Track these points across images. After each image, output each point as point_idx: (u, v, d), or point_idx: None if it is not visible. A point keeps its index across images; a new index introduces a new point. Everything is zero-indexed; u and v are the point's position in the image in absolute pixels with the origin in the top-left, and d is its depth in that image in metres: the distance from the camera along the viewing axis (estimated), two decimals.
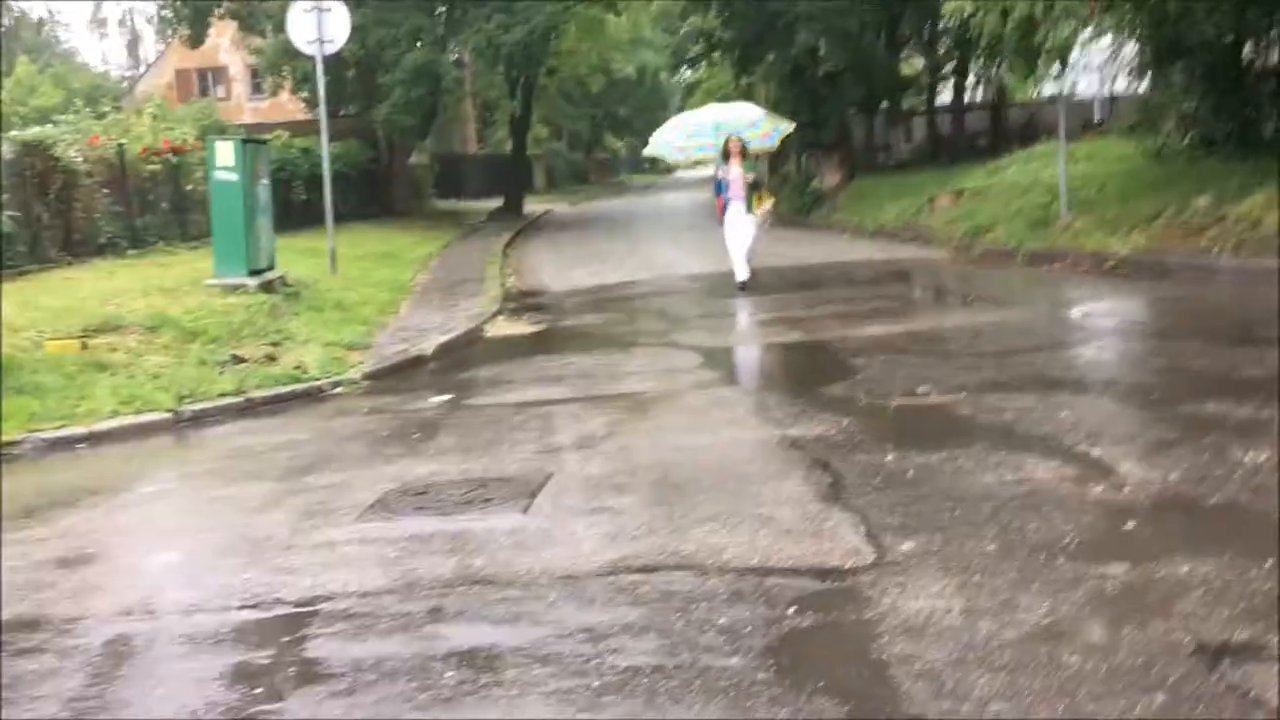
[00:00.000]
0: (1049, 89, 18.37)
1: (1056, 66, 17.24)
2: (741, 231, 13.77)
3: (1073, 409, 6.52)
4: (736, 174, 14.01)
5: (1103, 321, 10.13)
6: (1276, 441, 5.41)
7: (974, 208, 19.21)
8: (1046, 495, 4.94)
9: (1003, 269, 14.75)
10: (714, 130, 14.84)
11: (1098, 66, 19.97)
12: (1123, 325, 10.03)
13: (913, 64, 35.12)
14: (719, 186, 14.22)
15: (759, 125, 15.75)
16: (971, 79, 32.70)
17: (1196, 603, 3.69)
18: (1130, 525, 4.52)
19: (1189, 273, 12.07)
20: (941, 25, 30.50)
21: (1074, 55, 16.82)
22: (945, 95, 33.00)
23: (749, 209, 13.82)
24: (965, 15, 16.53)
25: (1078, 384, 7.39)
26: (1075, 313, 10.92)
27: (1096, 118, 27.88)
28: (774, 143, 16.37)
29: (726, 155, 14.11)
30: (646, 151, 17.25)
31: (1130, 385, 7.30)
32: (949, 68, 32.18)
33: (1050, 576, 4.01)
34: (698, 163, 16.60)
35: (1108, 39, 16.16)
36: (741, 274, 13.59)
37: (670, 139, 16.32)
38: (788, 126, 16.40)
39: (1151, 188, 15.01)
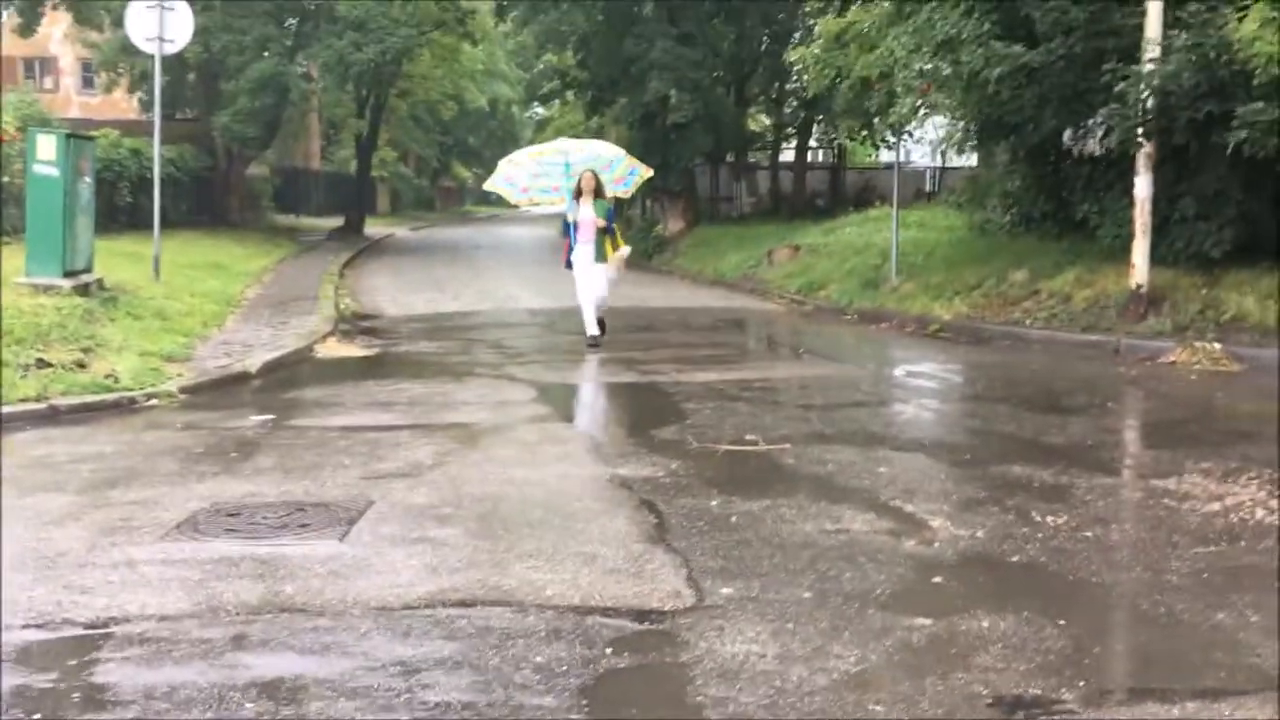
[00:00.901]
0: (885, 156, 19.18)
1: (890, 136, 18.03)
2: (592, 281, 12.22)
3: (891, 464, 6.75)
4: (588, 216, 12.30)
5: (923, 382, 10.54)
6: (1074, 507, 5.71)
7: (810, 263, 19.82)
8: (862, 546, 5.08)
9: (834, 324, 15.23)
10: (564, 170, 12.92)
11: (930, 140, 20.95)
12: (941, 387, 10.46)
13: (760, 120, 36.23)
14: (567, 228, 12.57)
15: (615, 166, 13.72)
16: (814, 140, 33.94)
17: (995, 656, 3.84)
18: (938, 579, 4.69)
19: (1004, 340, 12.71)
20: (789, 85, 31.59)
21: (910, 126, 17.63)
22: (789, 154, 34.08)
23: (599, 256, 12.22)
24: (806, 64, 17.15)
25: (897, 441, 7.65)
26: (898, 372, 11.34)
27: (928, 187, 29.23)
28: (629, 188, 14.46)
29: (578, 193, 12.36)
30: (487, 186, 14.54)
31: (945, 444, 7.60)
32: (794, 127, 33.26)
33: (861, 626, 4.11)
34: (535, 204, 14.36)
35: (941, 116, 16.97)
36: (591, 328, 12.13)
37: (514, 175, 13.83)
38: (645, 171, 14.27)
39: (974, 258, 15.79)
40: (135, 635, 4.00)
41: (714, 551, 4.98)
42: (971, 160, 22.80)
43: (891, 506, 5.77)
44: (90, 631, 4.04)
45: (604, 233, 12.28)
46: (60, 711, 3.41)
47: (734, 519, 5.52)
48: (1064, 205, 14.99)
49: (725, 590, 4.48)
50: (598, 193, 12.43)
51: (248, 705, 3.44)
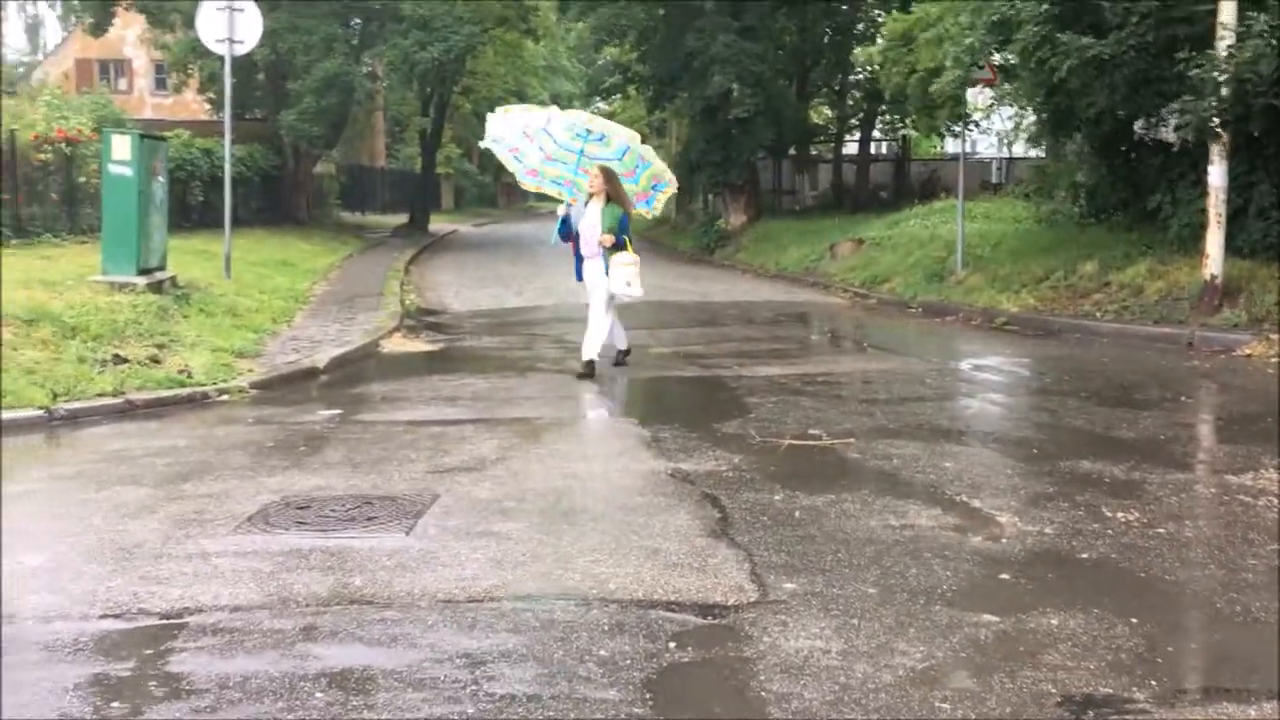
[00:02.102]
0: (951, 147, 18.94)
1: (955, 126, 17.81)
2: (607, 292, 9.86)
3: (957, 459, 6.67)
4: (593, 223, 9.81)
5: (990, 376, 10.41)
6: (1146, 503, 5.61)
7: (873, 257, 19.65)
8: (927, 542, 5.03)
9: (898, 318, 15.09)
10: (577, 161, 10.32)
11: (998, 130, 20.65)
12: (1008, 381, 10.31)
13: (822, 112, 35.99)
14: (564, 225, 10.05)
15: (640, 174, 10.61)
16: (877, 132, 33.65)
17: (1065, 655, 3.79)
18: (1006, 576, 4.63)
19: (1074, 334, 12.50)
20: (852, 77, 31.37)
21: (976, 117, 17.42)
22: (852, 146, 33.83)
23: (608, 268, 9.84)
24: (874, 65, 17.03)
25: (963, 435, 7.56)
26: (964, 365, 11.20)
27: (995, 178, 28.83)
28: (651, 208, 11.02)
29: (588, 194, 9.96)
30: (484, 143, 10.84)
31: (1012, 439, 7.49)
32: (857, 119, 33.00)
33: (927, 622, 4.08)
34: (541, 192, 11.23)
35: (1008, 107, 16.76)
36: (590, 352, 9.82)
37: (518, 142, 10.55)
38: (672, 185, 11.07)
39: (1043, 250, 15.54)
40: (209, 625, 4.08)
41: (777, 546, 4.97)
42: (1040, 151, 22.46)
43: (958, 502, 5.71)
44: (166, 622, 4.13)
45: (612, 249, 9.77)
46: (138, 700, 3.49)
47: (797, 514, 5.50)
48: (1135, 195, 14.72)
49: (789, 585, 4.47)
50: (610, 196, 9.83)
51: (318, 695, 3.50)
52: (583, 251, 9.95)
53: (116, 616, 4.19)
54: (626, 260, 9.79)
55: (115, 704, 3.46)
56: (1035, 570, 4.70)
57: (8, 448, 7.22)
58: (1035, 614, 4.15)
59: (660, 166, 10.93)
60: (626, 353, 10.48)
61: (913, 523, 5.34)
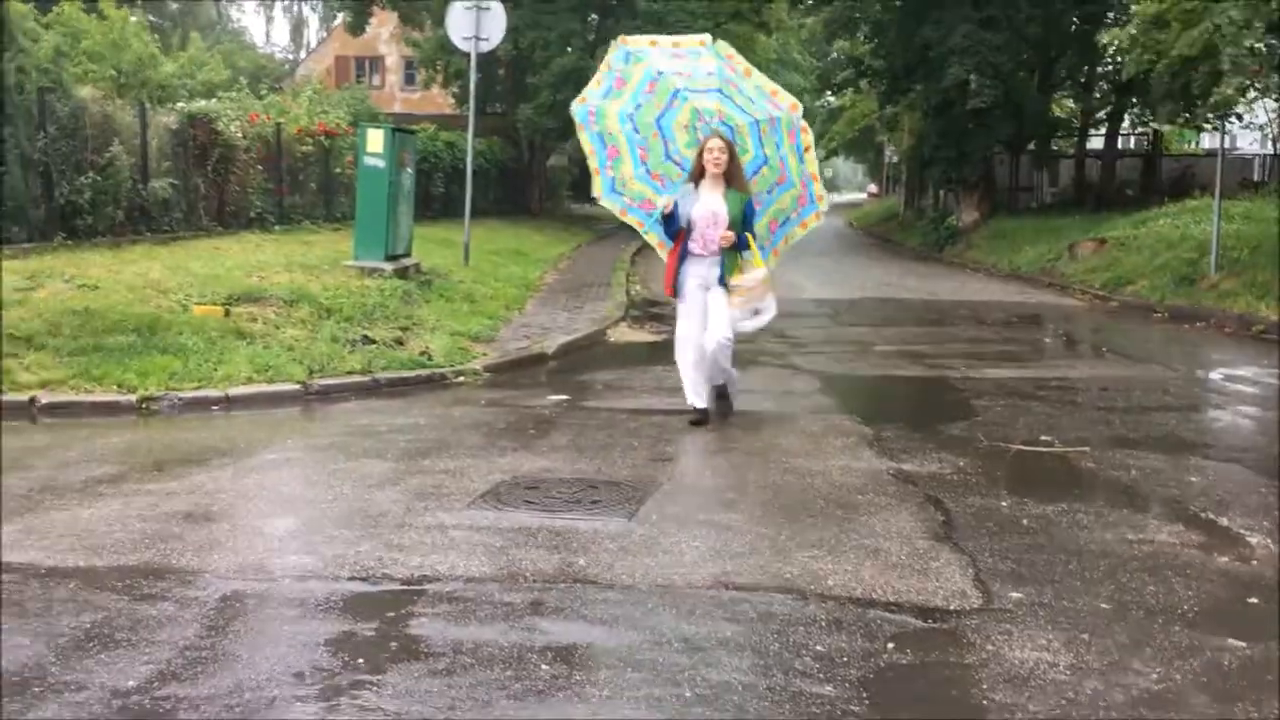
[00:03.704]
0: (1207, 142, 17.78)
1: (1213, 119, 16.65)
2: (713, 320, 7.33)
3: (1203, 474, 6.30)
4: (712, 212, 7.30)
5: (1243, 387, 9.73)
6: None
7: (1116, 257, 18.68)
8: (1168, 559, 4.78)
9: (1141, 323, 14.31)
10: (679, 159, 7.75)
11: (1260, 125, 19.21)
12: (1264, 393, 9.62)
13: (1065, 105, 34.34)
14: (671, 225, 7.43)
15: (790, 176, 7.75)
16: (1126, 126, 31.82)
17: None
18: (1254, 599, 4.35)
19: None
20: (1100, 69, 29.80)
21: (1237, 109, 16.25)
22: (1096, 141, 32.15)
23: (725, 281, 7.38)
24: (1122, 45, 16.07)
25: (1210, 449, 7.12)
26: (1214, 375, 10.52)
27: (1257, 176, 26.86)
28: (786, 237, 7.97)
29: (698, 173, 7.38)
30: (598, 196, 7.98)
31: (1267, 455, 7.00)
32: (1103, 112, 31.33)
33: (1165, 642, 3.88)
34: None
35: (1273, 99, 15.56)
36: (696, 396, 7.58)
37: (615, 127, 7.79)
38: (823, 207, 8.02)
39: None
40: (445, 594, 4.32)
41: (1003, 554, 4.83)
42: None
43: (1203, 519, 5.39)
44: (406, 588, 4.40)
45: (735, 248, 7.36)
46: (380, 657, 3.74)
47: (1025, 521, 5.32)
48: None
49: (1015, 594, 4.34)
50: (731, 177, 7.32)
51: (543, 667, 3.65)
52: (692, 248, 7.37)
53: (363, 580, 4.49)
54: (757, 278, 7.35)
55: (360, 660, 3.71)
56: None
57: (270, 419, 7.82)
58: None
59: (785, 108, 7.66)
60: (726, 400, 7.75)
61: (1152, 538, 5.08)
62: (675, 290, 7.47)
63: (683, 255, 7.37)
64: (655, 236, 7.84)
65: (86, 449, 6.71)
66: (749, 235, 7.34)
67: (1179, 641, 3.90)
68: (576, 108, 7.85)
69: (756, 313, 7.43)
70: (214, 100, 19.47)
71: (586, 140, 7.83)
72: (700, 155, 7.31)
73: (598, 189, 7.89)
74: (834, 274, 20.99)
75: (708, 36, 7.93)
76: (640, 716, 3.32)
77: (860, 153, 63.36)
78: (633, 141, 7.77)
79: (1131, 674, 3.63)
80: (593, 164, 7.88)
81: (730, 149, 7.29)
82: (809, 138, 7.78)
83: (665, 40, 8.17)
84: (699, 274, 7.36)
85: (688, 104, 7.68)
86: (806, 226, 7.97)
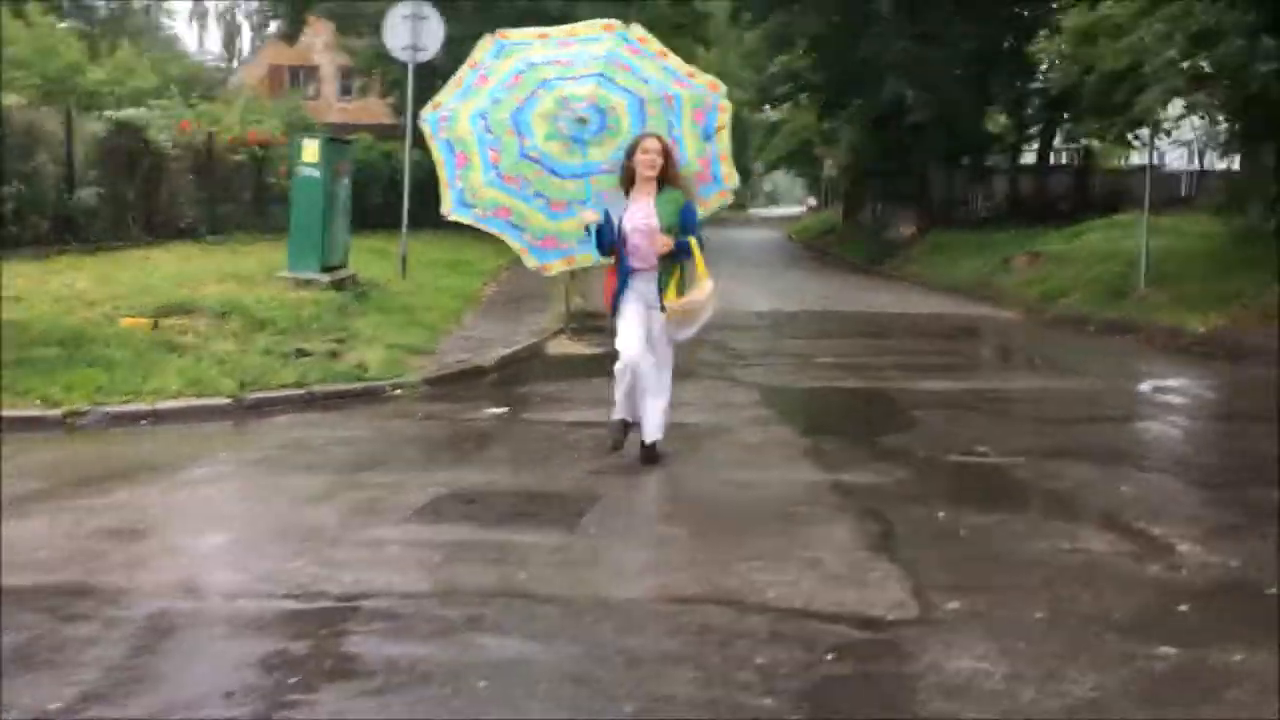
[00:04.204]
0: (1137, 159, 18.17)
1: (1142, 134, 17.02)
2: (643, 337, 6.53)
3: (1134, 484, 6.40)
4: (646, 217, 6.40)
5: (1173, 398, 9.93)
6: None
7: (1050, 271, 19.01)
8: (1101, 568, 4.84)
9: (1075, 335, 14.55)
10: (582, 188, 6.70)
11: (1188, 141, 19.67)
12: (1193, 404, 9.82)
13: (999, 120, 34.94)
14: (604, 239, 6.50)
15: (677, 125, 6.78)
16: (1058, 141, 32.44)
17: (1248, 692, 3.59)
18: (1185, 607, 4.41)
19: (1265, 357, 11.80)
20: (1032, 85, 30.33)
21: (1162, 121, 16.63)
22: (1030, 156, 32.75)
23: (663, 298, 6.47)
24: (1051, 57, 16.37)
25: (1142, 459, 7.24)
26: (1145, 386, 10.72)
27: (1184, 192, 27.52)
28: (723, 186, 6.97)
29: (629, 179, 6.47)
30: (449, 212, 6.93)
31: (1196, 465, 7.14)
32: (1036, 128, 31.92)
33: (1099, 650, 3.92)
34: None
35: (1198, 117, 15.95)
36: (652, 429, 6.65)
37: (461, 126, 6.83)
38: (731, 179, 7.04)
39: (1234, 267, 14.76)
40: (381, 610, 4.25)
41: (941, 564, 4.86)
42: (1234, 163, 21.33)
43: (1135, 528, 5.47)
44: (341, 604, 4.31)
45: (673, 258, 6.43)
46: (313, 676, 3.66)
47: (962, 532, 5.37)
48: None
49: (952, 604, 4.37)
50: (665, 175, 6.39)
51: (481, 684, 3.59)
52: (630, 262, 6.43)
53: (296, 597, 4.39)
54: (699, 298, 6.42)
55: (292, 679, 3.63)
56: (1218, 603, 4.47)
57: (201, 434, 7.67)
58: (1216, 649, 3.94)
59: (700, 88, 6.87)
60: (651, 448, 6.64)
61: (1085, 547, 5.14)
62: (615, 308, 6.63)
63: (624, 270, 6.50)
64: (517, 243, 6.91)
65: (10, 465, 6.51)
66: (692, 240, 6.37)
67: (1112, 649, 3.94)
68: (427, 115, 6.80)
69: (686, 328, 6.63)
70: (144, 109, 19.11)
71: (435, 150, 6.77)
72: (630, 156, 6.36)
73: (446, 204, 6.75)
74: (774, 286, 21.11)
75: (619, 22, 7.12)
76: None
77: (800, 166, 63.92)
78: (484, 143, 6.69)
79: (1066, 682, 3.66)
80: (442, 176, 6.72)
81: (667, 151, 6.33)
82: (726, 116, 6.88)
83: (561, 30, 7.27)
84: (640, 290, 6.50)
85: (554, 92, 6.64)
86: (708, 206, 6.95)
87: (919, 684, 3.64)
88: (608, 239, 6.47)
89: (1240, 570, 4.84)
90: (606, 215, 6.45)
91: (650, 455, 6.62)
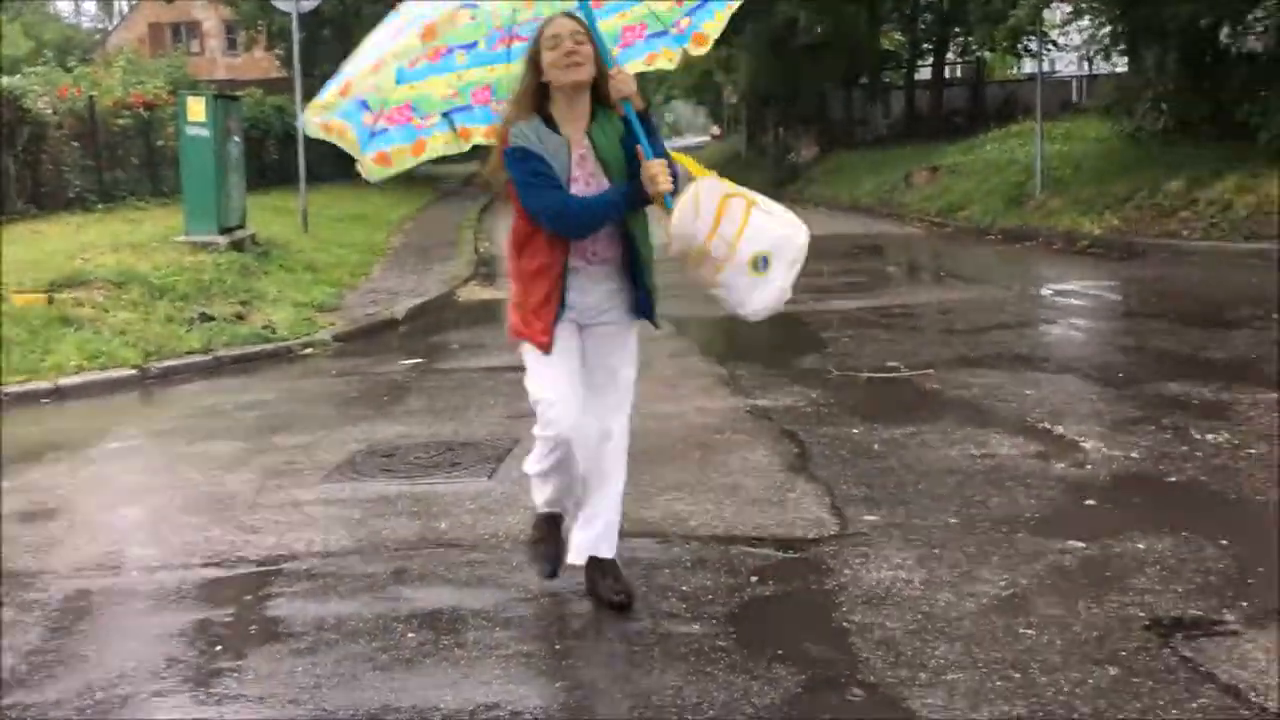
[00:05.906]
0: (1029, 67, 18.40)
1: (1030, 42, 17.24)
2: (615, 384, 4.11)
3: (1039, 387, 6.58)
4: (598, 162, 3.62)
5: (1072, 301, 10.20)
6: (1237, 424, 5.48)
7: (950, 184, 19.29)
8: (1009, 471, 4.98)
9: (976, 246, 14.83)
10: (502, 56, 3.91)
11: (1076, 46, 19.97)
12: (1091, 305, 10.10)
13: (894, 38, 35.13)
14: (569, 208, 3.58)
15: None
16: (951, 55, 32.74)
17: (1153, 579, 3.75)
18: (1091, 501, 4.58)
19: (1160, 254, 12.18)
20: (924, 0, 30.51)
21: (1053, 33, 16.89)
22: (925, 72, 33.01)
23: (640, 264, 4.05)
24: None
25: (1045, 362, 7.44)
26: (1045, 291, 10.99)
27: (1075, 98, 28.01)
28: (683, 43, 4.36)
29: (538, 99, 3.60)
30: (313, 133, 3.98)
31: (1096, 364, 7.36)
32: (930, 43, 32.15)
33: (1010, 550, 4.06)
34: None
35: (1086, 19, 16.18)
36: (605, 537, 3.82)
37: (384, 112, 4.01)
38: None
39: (1125, 169, 15.12)
40: (303, 571, 4.22)
41: (857, 480, 4.97)
42: (1121, 66, 21.74)
43: (1040, 429, 5.64)
44: (262, 569, 4.27)
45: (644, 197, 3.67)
46: (240, 643, 3.63)
47: (877, 447, 5.48)
48: (1221, 108, 14.20)
49: (869, 518, 4.47)
50: (599, 86, 3.58)
51: (410, 635, 3.60)
52: (573, 260, 3.73)
53: (216, 565, 4.34)
54: (713, 188, 3.80)
55: (219, 647, 3.59)
56: (1121, 495, 4.64)
57: (107, 408, 7.48)
58: (1122, 539, 4.10)
59: None
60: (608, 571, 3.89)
61: (994, 452, 5.29)
62: (530, 340, 3.74)
63: (562, 268, 3.67)
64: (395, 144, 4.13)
65: None
66: (672, 155, 3.78)
67: (1023, 548, 4.08)
68: (314, 119, 3.99)
69: (759, 265, 4.05)
70: (18, 76, 18.30)
71: (338, 125, 3.97)
72: (534, 59, 3.55)
73: (359, 156, 3.99)
74: None
75: None
76: (511, 673, 3.31)
77: (701, 95, 63.63)
78: (403, 78, 4.12)
79: (981, 583, 3.78)
80: (350, 140, 3.95)
81: (588, 32, 3.55)
82: None
83: None
84: (589, 305, 3.85)
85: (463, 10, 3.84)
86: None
87: (841, 597, 3.74)
88: (547, 201, 3.58)
89: (1140, 462, 5.03)
90: (530, 152, 3.59)
91: (614, 588, 3.74)
